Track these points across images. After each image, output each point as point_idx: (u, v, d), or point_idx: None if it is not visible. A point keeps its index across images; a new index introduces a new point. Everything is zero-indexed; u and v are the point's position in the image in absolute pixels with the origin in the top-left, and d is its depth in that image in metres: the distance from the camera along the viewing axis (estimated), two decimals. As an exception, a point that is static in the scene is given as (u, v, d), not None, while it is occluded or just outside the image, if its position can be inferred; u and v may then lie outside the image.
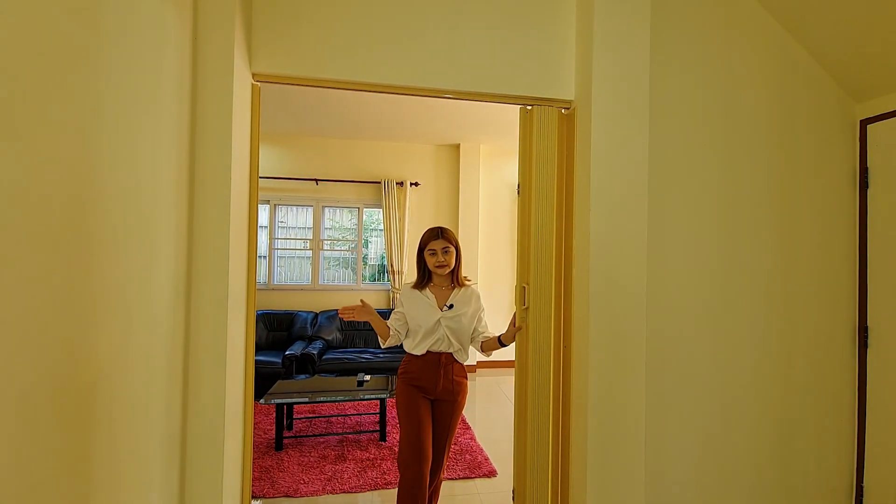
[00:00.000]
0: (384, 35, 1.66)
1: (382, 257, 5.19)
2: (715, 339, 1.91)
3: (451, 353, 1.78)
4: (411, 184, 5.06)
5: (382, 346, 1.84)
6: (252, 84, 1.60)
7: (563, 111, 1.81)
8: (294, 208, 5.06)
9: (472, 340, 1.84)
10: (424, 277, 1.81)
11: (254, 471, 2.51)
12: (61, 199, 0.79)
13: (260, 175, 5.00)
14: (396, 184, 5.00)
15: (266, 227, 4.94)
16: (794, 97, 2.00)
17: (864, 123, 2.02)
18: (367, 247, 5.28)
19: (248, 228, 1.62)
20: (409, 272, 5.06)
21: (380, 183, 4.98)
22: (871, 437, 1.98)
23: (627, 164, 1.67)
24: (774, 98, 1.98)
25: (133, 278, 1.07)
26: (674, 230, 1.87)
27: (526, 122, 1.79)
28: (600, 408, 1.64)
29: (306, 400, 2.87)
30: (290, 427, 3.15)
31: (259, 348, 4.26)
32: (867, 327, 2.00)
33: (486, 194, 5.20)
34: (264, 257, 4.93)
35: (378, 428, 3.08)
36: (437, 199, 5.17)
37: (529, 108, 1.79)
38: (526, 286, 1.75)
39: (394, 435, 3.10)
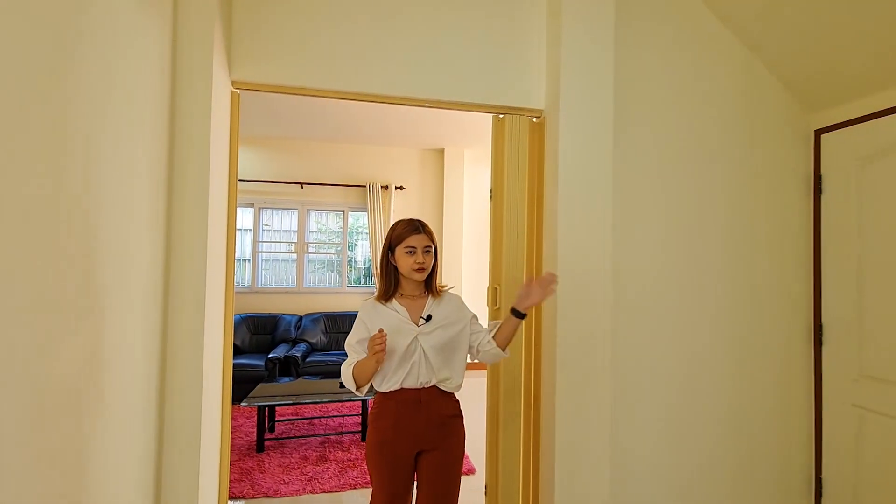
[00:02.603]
0: (361, 45, 1.72)
1: (368, 260, 5.23)
2: (678, 338, 2.00)
3: (434, 386, 1.38)
4: (396, 187, 5.12)
5: (362, 394, 1.43)
6: (231, 91, 1.64)
7: (533, 120, 1.89)
8: (279, 211, 5.07)
9: (478, 353, 1.48)
10: (392, 285, 1.42)
11: (234, 472, 2.53)
12: (37, 201, 0.83)
13: (245, 178, 5.03)
14: (381, 187, 5.06)
15: (251, 230, 4.95)
16: (753, 108, 2.12)
17: (818, 133, 2.15)
18: (352, 250, 5.31)
19: (227, 232, 1.65)
20: (394, 275, 5.10)
21: (365, 186, 5.02)
22: (827, 430, 2.09)
23: (593, 170, 1.76)
24: (734, 109, 2.09)
25: (110, 280, 1.10)
26: (639, 234, 1.96)
27: (498, 129, 1.87)
28: (568, 404, 1.72)
29: (286, 402, 2.89)
30: (272, 429, 3.17)
31: (242, 351, 4.26)
32: (822, 325, 2.11)
33: (470, 199, 5.28)
34: (249, 260, 4.93)
35: (360, 428, 3.12)
36: (421, 203, 5.23)
37: (501, 116, 1.87)
38: (498, 287, 1.82)
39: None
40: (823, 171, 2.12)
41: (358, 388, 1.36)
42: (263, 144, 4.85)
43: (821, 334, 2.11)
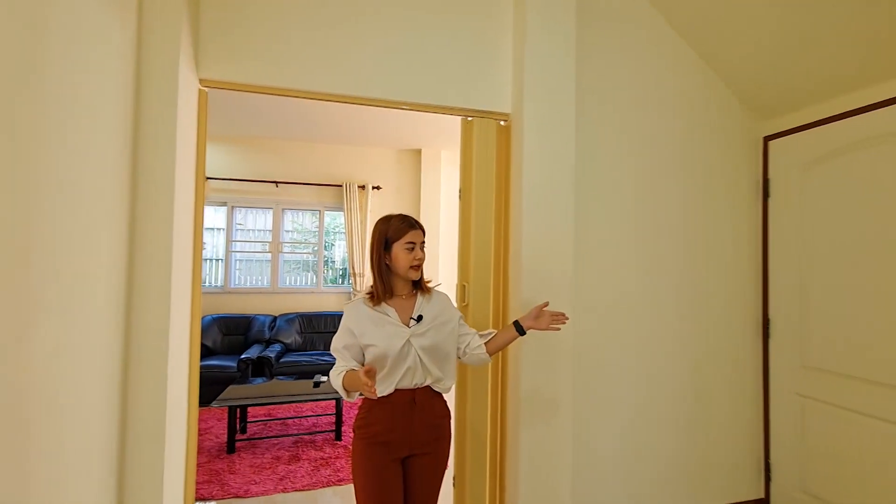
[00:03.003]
0: (332, 46, 1.75)
1: (346, 260, 5.21)
2: (637, 332, 2.10)
3: (428, 387, 1.33)
4: (373, 187, 5.12)
5: (351, 400, 1.35)
6: (199, 90, 1.64)
7: (501, 123, 1.95)
8: (253, 211, 5.00)
9: (464, 355, 1.44)
10: (389, 286, 1.33)
11: (203, 474, 2.50)
12: (-6, 200, 0.83)
13: (217, 177, 4.92)
14: (358, 187, 5.05)
15: (223, 229, 4.86)
16: (707, 115, 2.25)
17: (767, 140, 2.29)
18: (329, 250, 5.29)
19: (194, 231, 1.65)
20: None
21: (341, 186, 5.01)
22: (774, 418, 2.23)
23: (556, 173, 1.83)
24: (689, 115, 2.21)
25: (72, 279, 1.10)
26: (600, 233, 2.05)
27: (467, 132, 1.92)
28: (532, 396, 1.78)
29: (256, 403, 2.86)
30: (243, 430, 3.13)
31: (214, 353, 4.19)
32: (769, 320, 2.26)
33: (447, 199, 5.32)
34: (221, 260, 4.85)
35: (334, 427, 3.12)
36: (398, 204, 5.25)
37: (470, 119, 1.92)
38: (466, 285, 1.88)
39: (349, 436, 3.14)
40: (771, 175, 2.27)
41: (349, 395, 1.30)
42: (238, 143, 4.78)
43: (768, 328, 2.26)
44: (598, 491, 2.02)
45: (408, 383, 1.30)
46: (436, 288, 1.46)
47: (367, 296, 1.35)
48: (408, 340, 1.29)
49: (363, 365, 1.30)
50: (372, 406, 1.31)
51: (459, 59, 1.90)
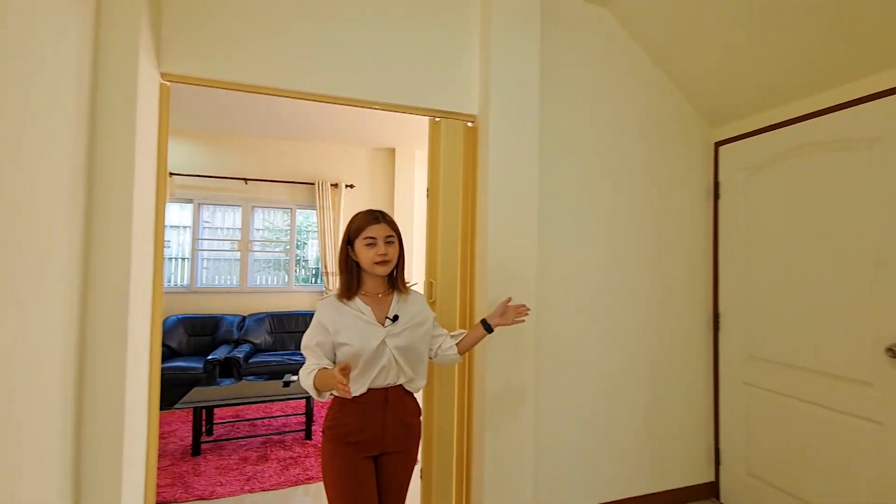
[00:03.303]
0: (299, 44, 1.75)
1: (319, 259, 5.15)
2: (597, 328, 2.20)
3: (400, 385, 1.32)
4: (346, 185, 5.09)
5: (322, 400, 1.29)
6: (161, 84, 1.61)
7: (468, 124, 2.00)
8: (221, 208, 4.88)
9: (435, 356, 1.45)
10: (354, 282, 1.32)
11: (166, 477, 2.44)
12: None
13: (183, 173, 4.77)
14: (331, 185, 5.01)
15: (189, 227, 4.72)
16: (664, 122, 2.37)
17: (717, 145, 2.44)
18: (302, 248, 5.22)
19: (155, 229, 1.62)
20: (344, 274, 5.08)
21: (314, 184, 4.95)
22: (723, 406, 2.38)
23: (521, 173, 1.90)
24: (647, 120, 2.33)
25: (25, 276, 1.07)
26: (564, 232, 2.13)
27: (434, 132, 1.96)
28: (497, 390, 1.84)
29: (220, 404, 2.80)
30: (209, 432, 3.07)
31: (179, 354, 4.07)
32: (719, 314, 2.41)
33: (421, 199, 5.35)
34: (187, 259, 4.70)
35: (304, 427, 3.10)
36: (372, 202, 5.24)
37: (438, 120, 1.96)
38: (434, 281, 1.92)
39: (320, 435, 3.12)
40: (721, 178, 2.42)
41: (320, 394, 1.25)
42: (206, 138, 4.65)
43: (718, 322, 2.41)
44: (562, 478, 2.10)
45: (381, 382, 1.28)
46: (412, 288, 1.44)
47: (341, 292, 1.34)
48: (383, 340, 1.27)
49: (335, 364, 1.27)
50: (343, 405, 1.28)
51: (428, 61, 1.93)
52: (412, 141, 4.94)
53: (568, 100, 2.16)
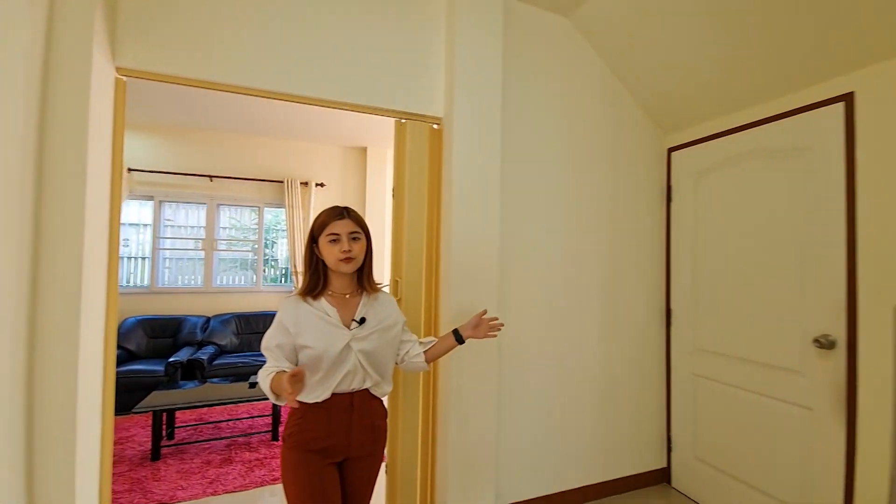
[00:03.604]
0: (263, 41, 1.74)
1: (289, 259, 5.07)
2: (558, 322, 2.29)
3: (366, 390, 1.28)
4: (316, 184, 5.03)
5: (280, 404, 1.25)
6: (116, 78, 1.57)
7: (434, 126, 2.05)
8: (184, 206, 4.72)
9: (402, 362, 1.41)
10: (319, 281, 1.27)
11: (124, 483, 2.37)
12: None
13: (143, 169, 4.59)
14: (301, 183, 4.94)
15: (150, 225, 4.55)
16: (621, 128, 2.50)
17: (670, 151, 2.59)
18: (271, 248, 5.12)
19: (110, 227, 1.58)
20: (314, 273, 5.02)
21: (283, 182, 4.87)
22: (674, 396, 2.53)
23: (484, 176, 1.96)
24: (605, 126, 2.45)
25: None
26: (525, 232, 2.21)
27: (400, 133, 2.00)
28: (462, 384, 1.90)
29: (180, 407, 2.73)
30: (170, 436, 2.98)
31: (138, 357, 3.92)
32: (671, 309, 2.56)
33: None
34: (147, 258, 4.53)
35: (270, 428, 3.06)
36: (343, 201, 5.18)
37: (403, 121, 2.00)
38: (399, 280, 1.95)
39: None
40: (673, 182, 2.57)
41: (277, 398, 1.19)
42: (168, 133, 4.49)
43: (670, 318, 2.56)
44: (523, 469, 2.18)
45: (346, 387, 1.23)
46: (384, 289, 1.38)
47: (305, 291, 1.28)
48: (347, 344, 1.22)
49: (296, 365, 1.22)
50: (305, 412, 1.21)
51: (394, 64, 1.96)
52: (384, 140, 4.94)
53: (530, 105, 2.24)
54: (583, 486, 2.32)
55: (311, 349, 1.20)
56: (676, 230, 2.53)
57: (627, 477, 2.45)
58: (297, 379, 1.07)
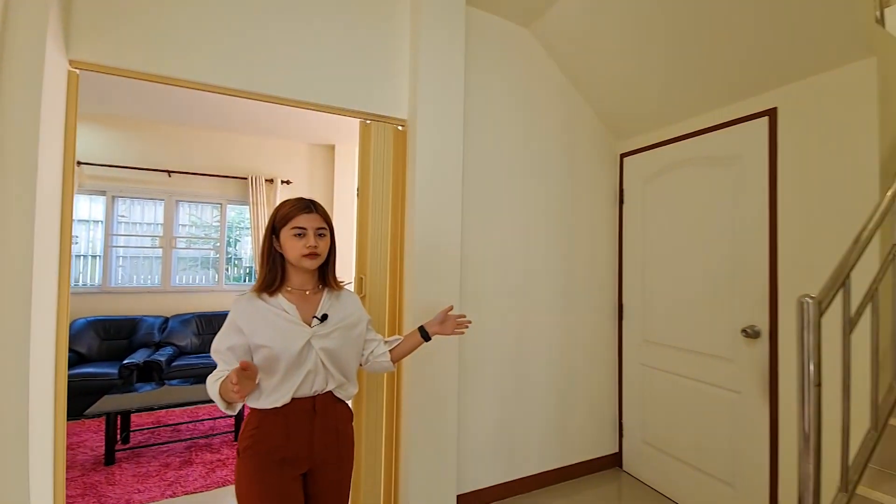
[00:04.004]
0: (225, 38, 1.74)
1: (252, 257, 4.96)
2: (516, 317, 2.41)
3: (329, 392, 1.20)
4: (282, 181, 4.95)
5: (232, 413, 1.14)
6: (69, 71, 1.53)
7: (398, 128, 2.11)
8: (140, 201, 4.53)
9: (366, 363, 1.35)
10: (277, 276, 1.19)
11: (77, 488, 2.28)
12: None
13: (95, 163, 4.38)
14: (266, 180, 4.85)
15: (102, 221, 4.34)
16: (577, 134, 2.64)
17: (622, 156, 2.77)
18: (234, 245, 4.99)
19: (62, 223, 1.54)
20: (279, 272, 4.94)
21: (246, 179, 4.77)
22: (626, 384, 2.71)
23: (446, 177, 2.04)
24: (562, 131, 2.58)
25: None
26: (486, 231, 2.31)
27: (365, 134, 2.04)
28: (423, 377, 1.97)
29: (134, 410, 2.64)
30: (125, 440, 2.89)
31: (89, 360, 3.74)
32: (623, 304, 2.73)
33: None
34: (99, 257, 4.32)
35: (233, 428, 3.02)
36: (309, 199, 5.14)
37: (368, 122, 2.04)
38: (363, 277, 2.00)
39: (251, 434, 3.05)
40: (624, 186, 2.74)
41: (228, 406, 1.10)
42: (123, 126, 4.29)
43: (622, 312, 2.73)
44: (484, 456, 2.28)
45: (307, 390, 1.15)
46: (347, 286, 1.33)
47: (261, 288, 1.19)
48: (308, 342, 1.14)
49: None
50: (262, 419, 1.12)
51: (360, 66, 2.01)
52: (353, 139, 4.91)
53: (491, 110, 2.34)
54: (540, 473, 2.45)
55: (268, 348, 1.11)
56: (628, 230, 2.71)
57: (582, 462, 2.60)
58: (248, 375, 0.97)
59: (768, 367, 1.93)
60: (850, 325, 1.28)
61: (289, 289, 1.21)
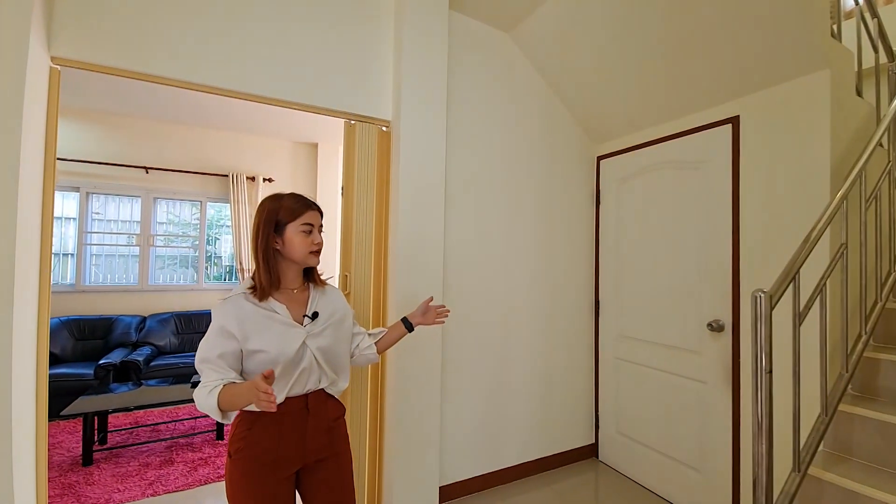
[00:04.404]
0: (210, 36, 1.75)
1: (232, 256, 4.90)
2: (498, 313, 2.48)
3: (321, 390, 1.20)
4: (264, 179, 4.91)
5: (227, 422, 1.10)
6: (51, 67, 1.52)
7: (383, 129, 2.15)
8: (116, 198, 4.42)
9: (352, 356, 1.35)
10: (274, 277, 1.15)
11: (55, 488, 2.25)
12: None
13: (69, 158, 4.27)
14: (247, 178, 4.80)
15: (75, 218, 4.22)
16: (556, 137, 2.74)
17: (599, 159, 2.88)
18: (213, 244, 4.92)
19: (42, 221, 1.53)
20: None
21: (227, 176, 4.71)
22: (601, 377, 2.82)
23: (429, 177, 2.10)
24: (541, 135, 2.67)
25: None
26: (469, 230, 2.38)
27: (350, 134, 2.08)
28: (407, 371, 2.02)
29: (108, 410, 2.61)
30: (102, 441, 2.84)
31: (62, 360, 3.65)
32: (599, 301, 2.85)
33: (336, 194, 5.34)
34: (72, 255, 4.20)
35: (215, 427, 3.00)
36: (292, 197, 5.11)
37: (353, 123, 2.08)
38: (348, 274, 2.04)
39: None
40: (601, 187, 2.85)
41: (225, 415, 1.05)
42: (99, 120, 4.18)
43: (598, 307, 2.85)
44: (466, 448, 2.35)
45: (300, 389, 1.14)
46: (328, 281, 1.32)
47: (250, 290, 1.14)
48: (303, 342, 1.13)
49: (242, 376, 1.09)
50: (255, 420, 1.10)
51: (345, 67, 2.04)
52: (336, 137, 4.91)
53: (473, 112, 2.40)
54: (521, 464, 2.54)
55: (265, 353, 1.08)
56: (604, 230, 2.82)
57: (561, 453, 2.70)
58: (271, 380, 0.95)
59: (731, 358, 2.06)
60: (799, 317, 1.39)
61: (278, 289, 1.18)
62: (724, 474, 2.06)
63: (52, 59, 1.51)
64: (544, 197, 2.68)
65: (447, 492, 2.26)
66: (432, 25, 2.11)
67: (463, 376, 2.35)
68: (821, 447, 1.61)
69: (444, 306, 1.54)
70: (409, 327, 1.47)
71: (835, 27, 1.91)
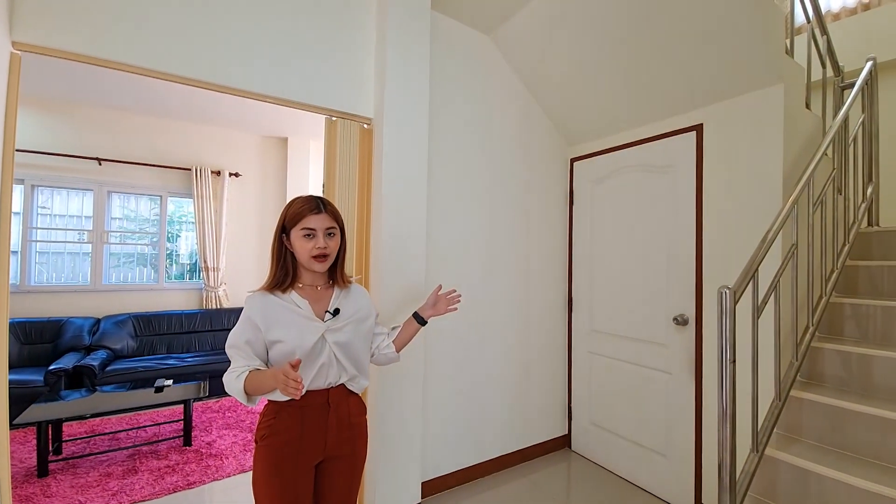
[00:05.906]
0: (185, 25, 1.68)
1: (195, 254, 4.68)
2: (476, 310, 2.54)
3: (342, 385, 1.24)
4: (231, 174, 4.72)
5: (252, 406, 1.20)
6: (11, 53, 1.41)
7: (364, 126, 2.14)
8: (64, 192, 4.11)
9: (373, 356, 1.39)
10: (289, 274, 1.21)
11: (12, 501, 2.08)
12: None
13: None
14: (212, 172, 4.60)
15: (19, 213, 3.89)
16: (533, 138, 2.82)
17: (573, 161, 2.98)
18: (174, 241, 4.68)
19: (0, 216, 1.42)
20: (230, 269, 4.72)
21: (190, 170, 4.49)
22: (574, 371, 2.93)
23: (412, 175, 2.11)
24: (519, 136, 2.74)
25: None
26: (449, 228, 2.41)
27: (331, 131, 2.05)
28: (388, 370, 2.03)
29: (62, 419, 2.46)
30: (57, 451, 2.66)
31: (9, 366, 3.36)
32: (572, 297, 2.96)
33: (315, 192, 5.23)
34: (16, 252, 3.88)
35: (181, 433, 2.88)
36: (261, 193, 4.96)
37: (334, 119, 2.06)
38: (330, 274, 2.02)
39: (201, 439, 2.94)
40: (574, 188, 2.96)
41: (249, 399, 1.14)
42: (45, 107, 3.87)
43: (571, 304, 2.96)
44: (447, 443, 2.38)
45: (321, 383, 1.19)
46: (355, 281, 1.36)
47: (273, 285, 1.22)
48: (322, 336, 1.18)
49: (266, 364, 1.17)
50: (279, 411, 1.16)
51: (326, 62, 2.01)
52: (307, 131, 4.80)
53: (454, 112, 2.43)
54: (499, 456, 2.61)
55: (284, 343, 1.15)
56: (577, 229, 2.94)
57: (537, 445, 2.79)
58: (297, 369, 1.02)
59: (694, 350, 2.21)
60: (758, 311, 1.53)
61: (300, 285, 1.24)
62: (688, 458, 2.21)
63: (14, 44, 1.40)
64: (522, 196, 2.75)
65: (429, 487, 2.29)
66: (414, 24, 2.12)
67: (443, 371, 2.38)
68: (775, 430, 1.76)
69: (455, 290, 1.53)
70: (422, 321, 1.48)
71: (787, 42, 2.09)
